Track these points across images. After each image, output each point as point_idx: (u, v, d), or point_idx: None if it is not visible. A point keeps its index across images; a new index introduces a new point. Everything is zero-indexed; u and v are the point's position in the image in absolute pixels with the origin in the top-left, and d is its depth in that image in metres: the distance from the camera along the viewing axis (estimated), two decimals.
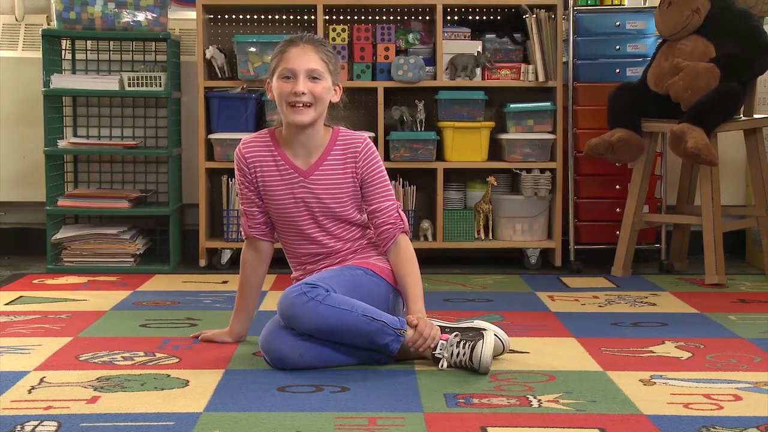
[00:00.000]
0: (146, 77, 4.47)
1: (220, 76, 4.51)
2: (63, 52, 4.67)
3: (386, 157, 4.42)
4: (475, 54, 4.46)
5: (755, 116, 4.25)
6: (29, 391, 2.52)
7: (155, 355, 2.90)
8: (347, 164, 2.90)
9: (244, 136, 4.27)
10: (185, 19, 4.75)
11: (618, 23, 4.49)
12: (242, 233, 3.02)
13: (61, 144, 4.51)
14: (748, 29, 4.06)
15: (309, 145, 2.90)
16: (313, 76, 2.82)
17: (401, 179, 4.51)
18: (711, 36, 4.09)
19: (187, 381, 2.63)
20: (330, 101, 2.88)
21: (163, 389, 2.55)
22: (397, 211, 2.92)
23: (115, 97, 4.66)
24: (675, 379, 2.66)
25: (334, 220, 2.92)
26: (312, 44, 2.83)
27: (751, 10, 4.13)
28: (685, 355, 2.93)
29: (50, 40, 4.48)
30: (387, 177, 2.94)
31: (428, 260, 4.59)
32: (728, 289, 3.98)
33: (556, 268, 4.47)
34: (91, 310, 3.54)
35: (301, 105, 2.81)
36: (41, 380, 2.63)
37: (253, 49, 4.41)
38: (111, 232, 4.47)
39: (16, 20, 4.77)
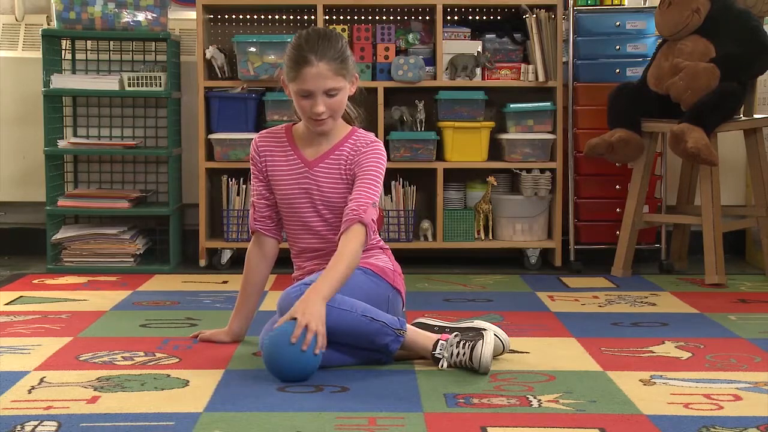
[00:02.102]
0: (146, 77, 4.47)
1: (220, 76, 4.51)
2: (63, 52, 4.67)
3: (386, 157, 4.40)
4: (475, 54, 4.46)
5: (755, 116, 4.25)
6: (29, 391, 2.52)
7: (155, 355, 2.90)
8: (350, 159, 2.90)
9: (244, 136, 4.30)
10: (185, 19, 4.75)
11: (618, 23, 4.49)
12: (249, 227, 3.04)
13: (61, 144, 4.51)
14: (748, 29, 4.06)
15: (323, 139, 2.92)
16: (330, 94, 2.82)
17: (401, 179, 4.51)
18: (711, 36, 4.09)
19: (187, 381, 2.63)
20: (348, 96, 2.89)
21: (163, 389, 2.55)
22: (368, 206, 2.80)
23: (115, 97, 4.66)
24: (675, 379, 2.66)
25: (336, 212, 2.91)
26: (326, 60, 2.78)
27: (751, 10, 4.13)
28: (685, 355, 2.93)
29: (50, 40, 4.48)
30: (379, 178, 2.87)
31: (428, 260, 4.59)
32: (728, 289, 3.98)
33: (556, 268, 4.47)
34: (91, 310, 3.54)
35: (321, 119, 2.82)
36: (41, 380, 2.63)
37: (253, 49, 4.41)
38: (111, 232, 4.47)
39: (16, 20, 4.77)
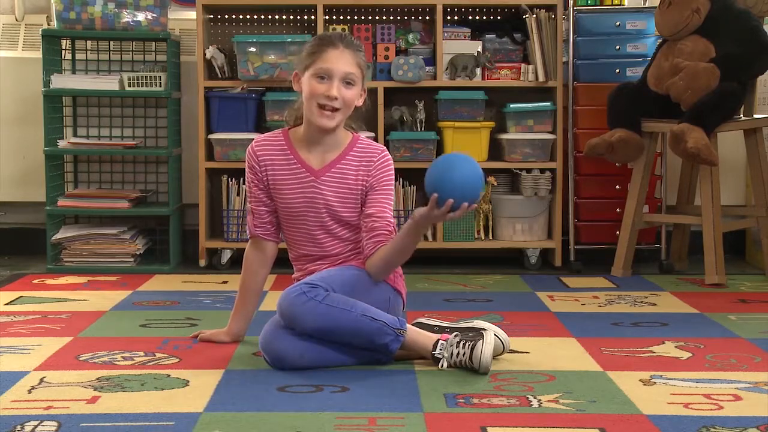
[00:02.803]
0: (146, 77, 4.47)
1: (220, 76, 4.51)
2: (63, 52, 4.67)
3: None
4: (475, 54, 4.46)
5: (755, 116, 4.25)
6: (29, 391, 2.52)
7: (155, 355, 2.90)
8: (360, 170, 2.89)
9: (244, 136, 4.29)
10: (185, 19, 4.75)
11: (618, 23, 4.49)
12: (248, 232, 3.02)
13: (61, 144, 4.51)
14: (748, 29, 4.06)
15: (326, 145, 2.90)
16: (347, 81, 2.82)
17: (401, 179, 4.51)
18: (711, 36, 4.09)
19: (187, 381, 2.63)
20: (354, 105, 2.89)
21: (163, 389, 2.55)
22: (394, 227, 2.88)
23: (115, 97, 4.66)
24: (675, 379, 2.66)
25: (339, 223, 2.91)
26: (351, 49, 2.83)
27: (751, 10, 4.13)
28: (685, 355, 2.93)
29: (50, 40, 4.48)
30: (393, 193, 2.92)
31: (428, 260, 4.59)
32: (728, 289, 3.98)
33: (556, 268, 4.47)
34: (91, 310, 3.54)
35: (330, 109, 2.81)
36: (41, 380, 2.63)
37: (253, 49, 4.41)
38: (111, 232, 4.47)
39: (16, 20, 4.77)
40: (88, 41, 4.69)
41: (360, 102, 2.90)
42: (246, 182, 2.99)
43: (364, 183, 2.89)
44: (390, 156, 2.94)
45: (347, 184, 2.89)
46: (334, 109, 2.81)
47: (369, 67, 2.93)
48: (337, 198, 2.89)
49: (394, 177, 2.93)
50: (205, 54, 4.45)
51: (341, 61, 2.81)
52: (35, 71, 4.56)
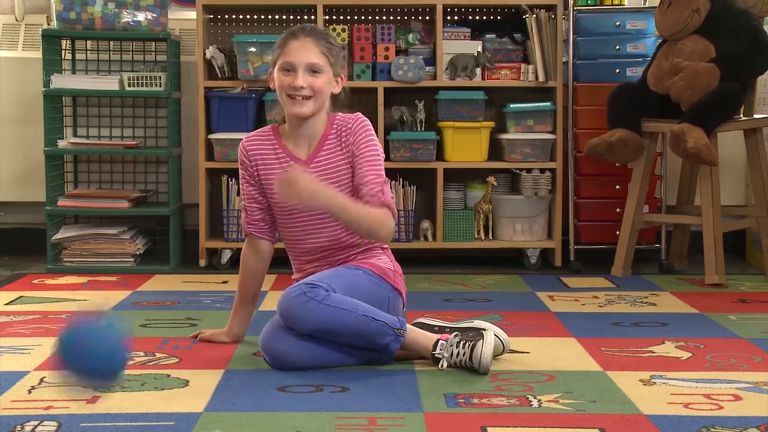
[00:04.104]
0: (146, 77, 4.47)
1: (220, 76, 4.51)
2: (63, 52, 4.67)
3: (386, 157, 4.40)
4: (475, 54, 4.46)
5: (755, 116, 4.25)
6: (29, 391, 2.53)
7: (155, 355, 2.90)
8: (341, 144, 2.89)
9: (244, 136, 4.29)
10: (185, 19, 4.75)
11: (618, 23, 4.49)
12: (242, 230, 3.02)
13: (61, 144, 4.51)
14: (748, 29, 4.06)
15: (309, 135, 2.90)
16: (312, 70, 2.82)
17: (401, 179, 4.51)
18: (711, 36, 4.09)
19: (187, 381, 2.63)
20: (332, 93, 2.88)
21: (163, 389, 2.55)
22: (381, 187, 2.83)
23: (115, 97, 4.66)
24: (675, 379, 2.67)
25: None
26: (312, 37, 2.83)
27: (751, 10, 4.13)
28: (685, 355, 2.93)
29: (50, 40, 4.48)
30: (378, 152, 2.87)
31: (428, 260, 4.59)
32: (728, 289, 3.98)
33: (556, 268, 4.47)
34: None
35: (300, 97, 2.82)
36: (41, 380, 2.63)
37: (253, 49, 4.41)
38: (111, 232, 4.47)
39: (16, 20, 4.77)
40: (88, 41, 4.69)
41: (337, 89, 2.89)
42: (240, 179, 3.00)
43: (349, 154, 2.87)
44: (366, 119, 2.90)
45: (336, 164, 2.88)
46: (305, 97, 2.82)
47: (342, 52, 2.91)
48: (330, 181, 2.87)
49: (374, 136, 2.88)
50: (205, 54, 4.45)
51: (303, 51, 2.81)
52: (35, 71, 4.56)
